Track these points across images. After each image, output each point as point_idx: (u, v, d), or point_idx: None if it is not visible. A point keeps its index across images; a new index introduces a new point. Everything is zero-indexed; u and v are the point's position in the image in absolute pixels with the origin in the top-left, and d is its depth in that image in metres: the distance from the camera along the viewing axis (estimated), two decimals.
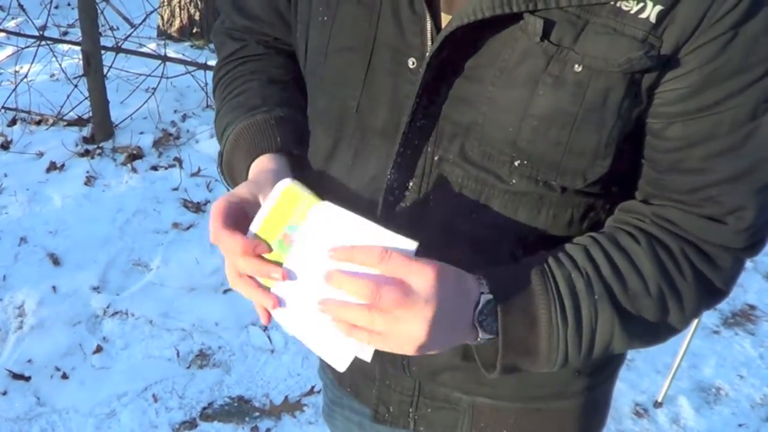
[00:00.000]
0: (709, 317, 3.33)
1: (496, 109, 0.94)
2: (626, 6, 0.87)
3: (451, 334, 0.92)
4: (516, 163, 0.96)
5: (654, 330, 1.00)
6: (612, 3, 0.87)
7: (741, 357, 3.19)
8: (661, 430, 2.81)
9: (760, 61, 0.88)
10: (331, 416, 1.48)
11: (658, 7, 0.86)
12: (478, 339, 0.94)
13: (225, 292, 3.26)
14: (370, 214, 1.05)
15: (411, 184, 1.02)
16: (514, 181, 0.97)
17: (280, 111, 1.12)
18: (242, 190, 1.00)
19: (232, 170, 1.12)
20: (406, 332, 0.88)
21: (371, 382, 1.26)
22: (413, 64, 0.96)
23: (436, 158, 1.00)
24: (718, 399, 2.96)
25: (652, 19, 0.86)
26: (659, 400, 2.88)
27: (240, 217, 0.97)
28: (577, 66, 0.89)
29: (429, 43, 0.95)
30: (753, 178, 0.94)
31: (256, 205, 0.98)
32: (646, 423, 2.83)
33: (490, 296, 0.93)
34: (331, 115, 1.06)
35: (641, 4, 0.86)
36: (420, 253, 0.97)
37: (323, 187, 1.10)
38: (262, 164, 1.06)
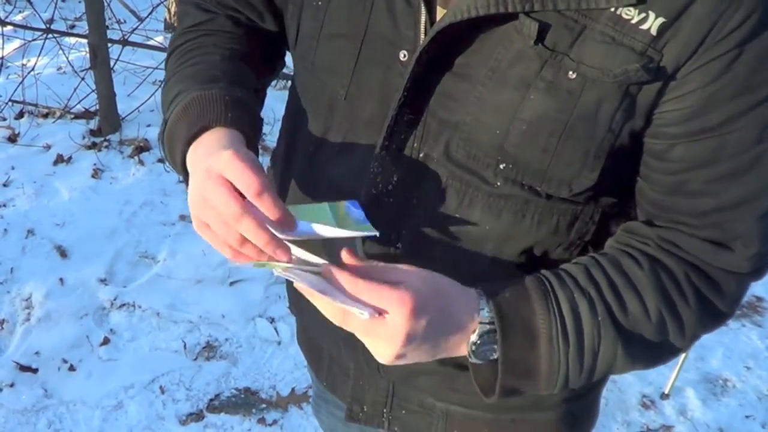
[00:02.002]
0: None
1: (485, 110, 0.92)
2: (627, 14, 0.83)
3: (433, 351, 0.90)
4: (501, 166, 0.93)
5: (655, 352, 0.97)
6: (612, 10, 0.84)
7: (748, 348, 3.18)
8: (668, 421, 2.80)
9: (765, 81, 0.84)
10: (317, 410, 1.48)
11: (661, 20, 0.82)
12: (470, 348, 0.92)
13: (232, 284, 3.26)
14: None
15: (395, 179, 1.00)
16: (498, 183, 0.95)
17: (238, 91, 1.04)
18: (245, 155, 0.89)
19: (172, 141, 1.02)
20: (375, 348, 0.88)
21: (347, 378, 1.25)
22: (404, 56, 0.94)
23: (421, 155, 0.98)
24: (725, 390, 2.96)
25: (653, 31, 0.83)
26: (666, 391, 2.88)
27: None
28: (571, 73, 0.86)
29: (422, 36, 0.92)
30: (758, 204, 0.91)
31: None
32: (653, 414, 2.83)
33: (491, 315, 0.90)
34: (321, 102, 1.05)
35: (643, 15, 0.83)
36: (404, 257, 0.96)
37: (310, 174, 1.09)
38: (216, 136, 0.97)
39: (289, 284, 1.26)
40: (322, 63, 1.03)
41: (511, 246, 1.00)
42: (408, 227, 1.02)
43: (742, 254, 0.93)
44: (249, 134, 1.00)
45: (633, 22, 0.83)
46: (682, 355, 2.78)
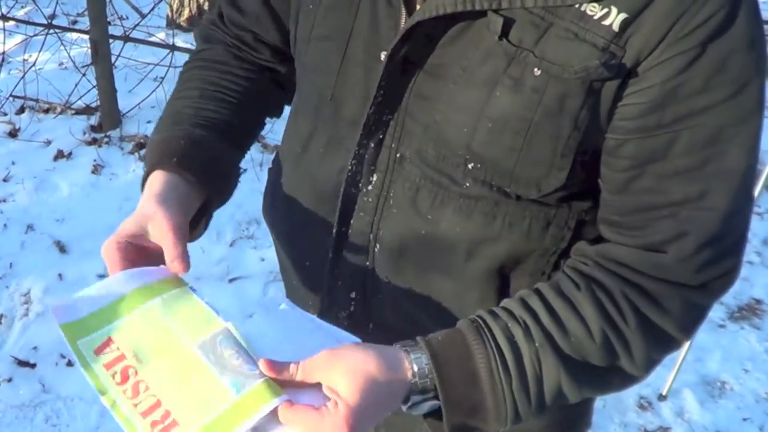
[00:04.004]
0: (715, 311, 3.31)
1: (454, 109, 0.92)
2: (591, 10, 0.83)
3: (379, 416, 0.89)
4: (470, 166, 0.93)
5: (605, 377, 0.94)
6: (577, 6, 0.83)
7: (746, 351, 3.17)
8: (666, 423, 2.80)
9: (726, 82, 0.83)
10: None
11: (623, 15, 0.82)
12: (408, 403, 0.89)
13: (231, 281, 3.26)
14: (333, 204, 1.05)
15: (374, 178, 1.01)
16: (467, 184, 0.95)
17: (198, 132, 1.10)
18: (129, 226, 1.01)
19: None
20: None
21: None
22: (385, 57, 0.95)
23: (398, 155, 0.99)
24: (723, 393, 2.96)
25: (615, 27, 0.82)
26: (664, 393, 2.87)
27: (134, 253, 1.01)
28: (536, 70, 0.86)
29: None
30: (702, 204, 0.88)
31: (143, 237, 1.01)
32: (651, 416, 2.83)
33: (425, 364, 0.87)
34: (310, 102, 1.07)
35: (605, 10, 0.82)
36: (382, 259, 0.98)
37: (297, 173, 1.11)
38: (153, 183, 1.05)
39: (284, 269, 1.28)
40: (311, 64, 1.05)
41: (484, 250, 0.99)
42: (385, 228, 1.02)
43: (676, 256, 0.89)
44: (196, 173, 1.06)
45: (596, 18, 0.83)
46: (680, 357, 2.78)
